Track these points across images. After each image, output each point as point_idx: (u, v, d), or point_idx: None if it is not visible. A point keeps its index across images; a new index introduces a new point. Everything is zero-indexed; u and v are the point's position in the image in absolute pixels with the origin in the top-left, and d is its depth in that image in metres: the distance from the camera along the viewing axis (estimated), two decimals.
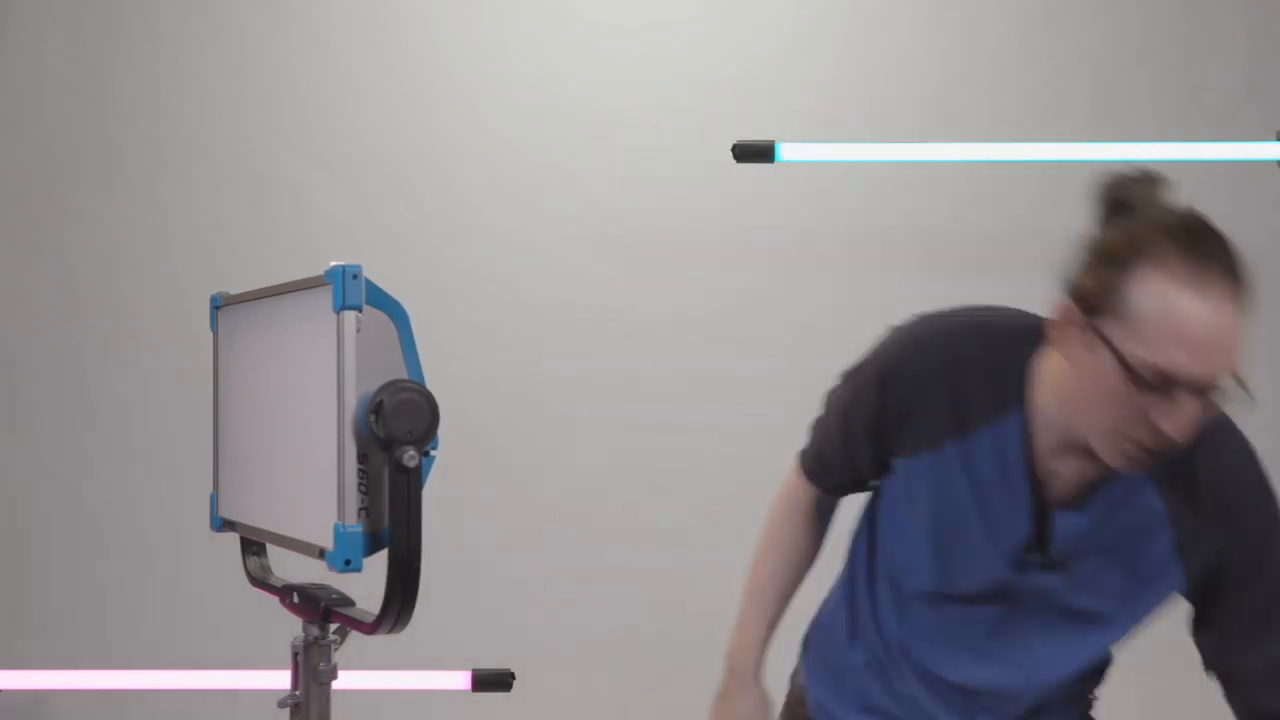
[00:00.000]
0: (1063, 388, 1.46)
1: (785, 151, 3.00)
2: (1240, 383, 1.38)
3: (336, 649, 1.74)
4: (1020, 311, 1.65)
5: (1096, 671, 1.76)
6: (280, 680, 1.80)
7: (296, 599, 1.78)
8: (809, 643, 1.92)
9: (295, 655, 1.74)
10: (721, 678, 1.90)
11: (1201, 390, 1.35)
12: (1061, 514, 1.52)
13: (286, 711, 1.75)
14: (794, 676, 1.95)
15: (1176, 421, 1.35)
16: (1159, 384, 1.34)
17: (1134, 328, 1.35)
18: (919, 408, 1.57)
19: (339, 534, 1.52)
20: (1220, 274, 1.38)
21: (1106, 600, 1.56)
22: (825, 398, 1.80)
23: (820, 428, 1.80)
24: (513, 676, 2.71)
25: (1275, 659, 1.51)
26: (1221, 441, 1.49)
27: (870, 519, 1.78)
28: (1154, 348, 1.34)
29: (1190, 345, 1.33)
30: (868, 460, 1.69)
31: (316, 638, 1.73)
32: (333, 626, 1.73)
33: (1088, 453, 1.45)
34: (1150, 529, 1.50)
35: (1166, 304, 1.34)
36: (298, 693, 1.72)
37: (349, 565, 1.52)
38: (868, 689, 1.77)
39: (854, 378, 1.71)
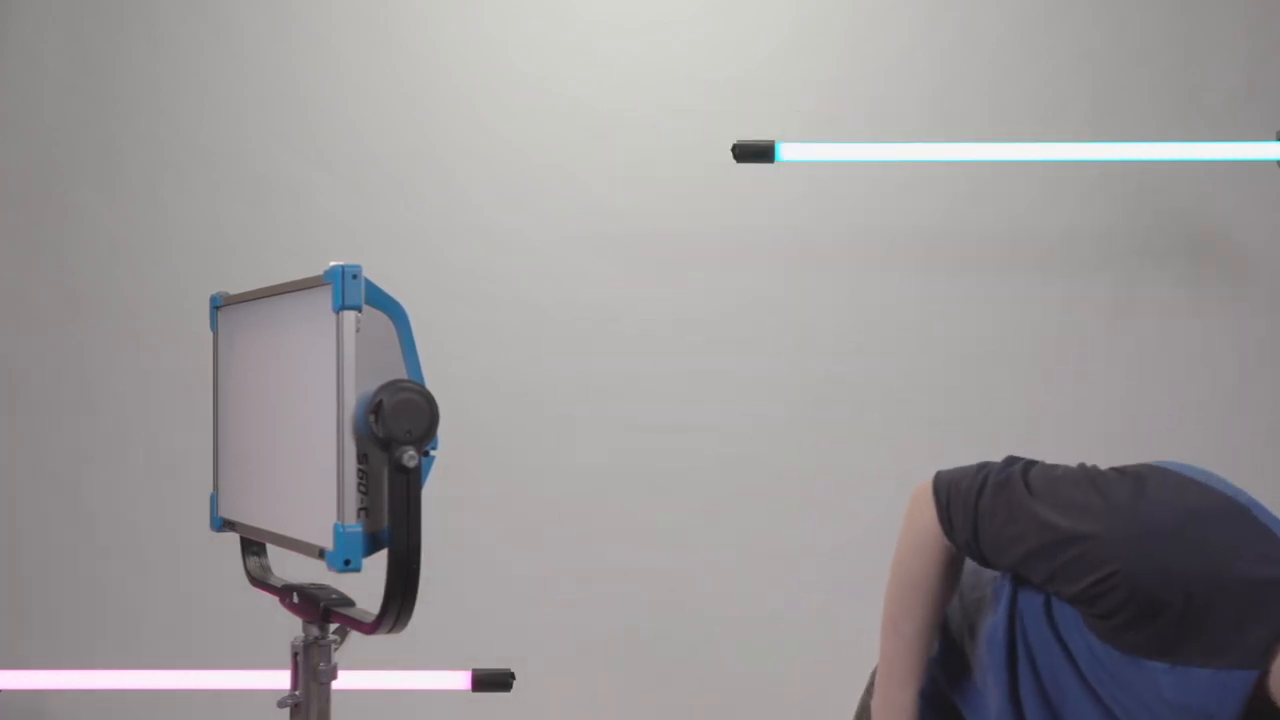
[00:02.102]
0: None
1: (785, 151, 3.00)
2: None
3: (336, 649, 1.74)
4: None
5: None
6: (280, 680, 1.81)
7: (296, 599, 1.78)
8: None
9: (295, 655, 1.74)
10: None
11: None
12: None
13: (286, 711, 1.75)
14: None
15: None
16: None
17: None
18: (1138, 620, 1.36)
19: (339, 534, 1.52)
20: None
21: None
22: (1008, 489, 1.54)
23: (986, 523, 1.54)
24: (513, 676, 2.71)
25: None
26: None
27: (1017, 609, 1.60)
28: None
29: None
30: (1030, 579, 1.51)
31: (316, 638, 1.73)
32: (332, 626, 1.73)
33: None
34: None
35: None
36: (298, 693, 1.72)
37: (348, 565, 1.52)
38: None
39: (1068, 542, 1.42)
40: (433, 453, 1.61)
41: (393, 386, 1.54)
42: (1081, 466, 1.54)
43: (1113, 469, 1.50)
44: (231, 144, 3.38)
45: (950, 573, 1.62)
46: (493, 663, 2.85)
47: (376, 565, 1.61)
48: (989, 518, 1.52)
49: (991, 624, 1.63)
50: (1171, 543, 1.35)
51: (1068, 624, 1.48)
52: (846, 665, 3.31)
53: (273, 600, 1.85)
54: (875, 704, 1.69)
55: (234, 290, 1.96)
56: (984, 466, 1.58)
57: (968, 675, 1.69)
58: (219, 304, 1.98)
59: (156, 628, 3.29)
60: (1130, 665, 1.39)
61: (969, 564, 1.69)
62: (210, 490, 1.99)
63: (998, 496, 1.52)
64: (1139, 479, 1.44)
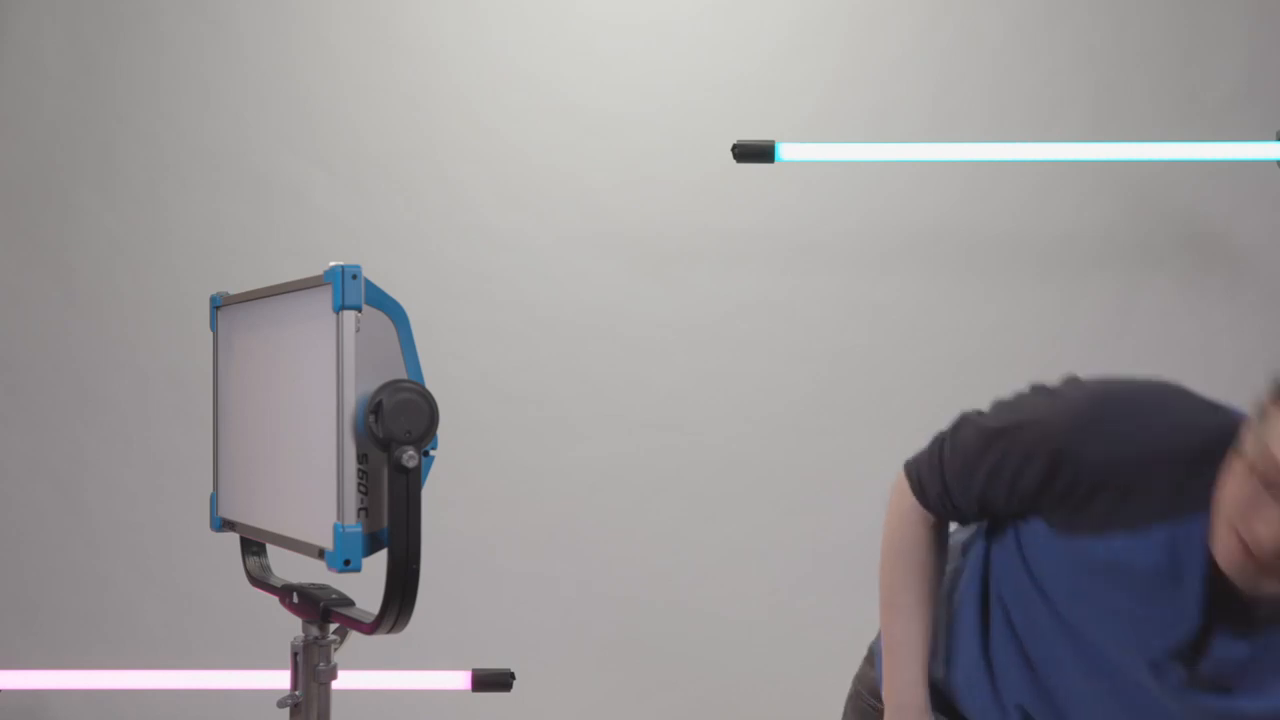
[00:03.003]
0: None
1: (785, 151, 3.00)
2: None
3: (336, 649, 1.74)
4: (1213, 406, 1.54)
5: None
6: (280, 680, 1.81)
7: (296, 599, 1.78)
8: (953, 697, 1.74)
9: (295, 655, 1.74)
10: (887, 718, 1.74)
11: None
12: (1222, 634, 1.43)
13: (286, 711, 1.75)
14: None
15: (1268, 525, 1.31)
16: (1267, 480, 1.32)
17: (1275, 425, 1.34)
18: (1091, 491, 1.46)
19: (338, 534, 1.52)
20: None
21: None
22: (961, 429, 1.65)
23: (951, 465, 1.64)
24: (513, 676, 2.71)
25: None
26: None
27: (990, 565, 1.67)
28: (1276, 444, 1.31)
29: None
30: (1008, 511, 1.59)
31: (316, 638, 1.73)
32: (332, 626, 1.73)
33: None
34: None
35: None
36: (298, 693, 1.72)
37: (348, 565, 1.52)
38: None
39: (1018, 435, 1.55)
40: (432, 453, 1.61)
41: (392, 386, 1.54)
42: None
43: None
44: (231, 144, 3.38)
45: (935, 543, 1.70)
46: (493, 663, 2.85)
47: (376, 565, 1.61)
48: (951, 462, 1.63)
49: (965, 584, 1.70)
50: (1109, 410, 1.47)
51: (1038, 553, 1.55)
52: (846, 665, 3.31)
53: (273, 600, 1.85)
54: (885, 686, 1.72)
55: (234, 290, 1.96)
56: (940, 434, 1.69)
57: (948, 649, 1.73)
58: (219, 304, 1.98)
59: (156, 628, 3.29)
60: (1100, 573, 1.46)
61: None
62: (210, 490, 1.99)
63: (953, 439, 1.65)
64: (1072, 378, 1.59)
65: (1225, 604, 1.42)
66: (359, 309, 1.54)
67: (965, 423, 1.65)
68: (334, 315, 1.53)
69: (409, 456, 1.53)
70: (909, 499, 1.69)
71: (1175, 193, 3.34)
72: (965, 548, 1.75)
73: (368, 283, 1.56)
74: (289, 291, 1.71)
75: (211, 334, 1.99)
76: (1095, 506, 1.45)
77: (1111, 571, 1.45)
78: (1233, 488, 1.35)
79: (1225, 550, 1.36)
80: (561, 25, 3.37)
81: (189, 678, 2.98)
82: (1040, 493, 1.50)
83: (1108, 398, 1.49)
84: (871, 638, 3.45)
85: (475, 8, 3.38)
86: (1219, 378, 3.33)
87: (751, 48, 3.36)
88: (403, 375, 1.63)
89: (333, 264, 1.55)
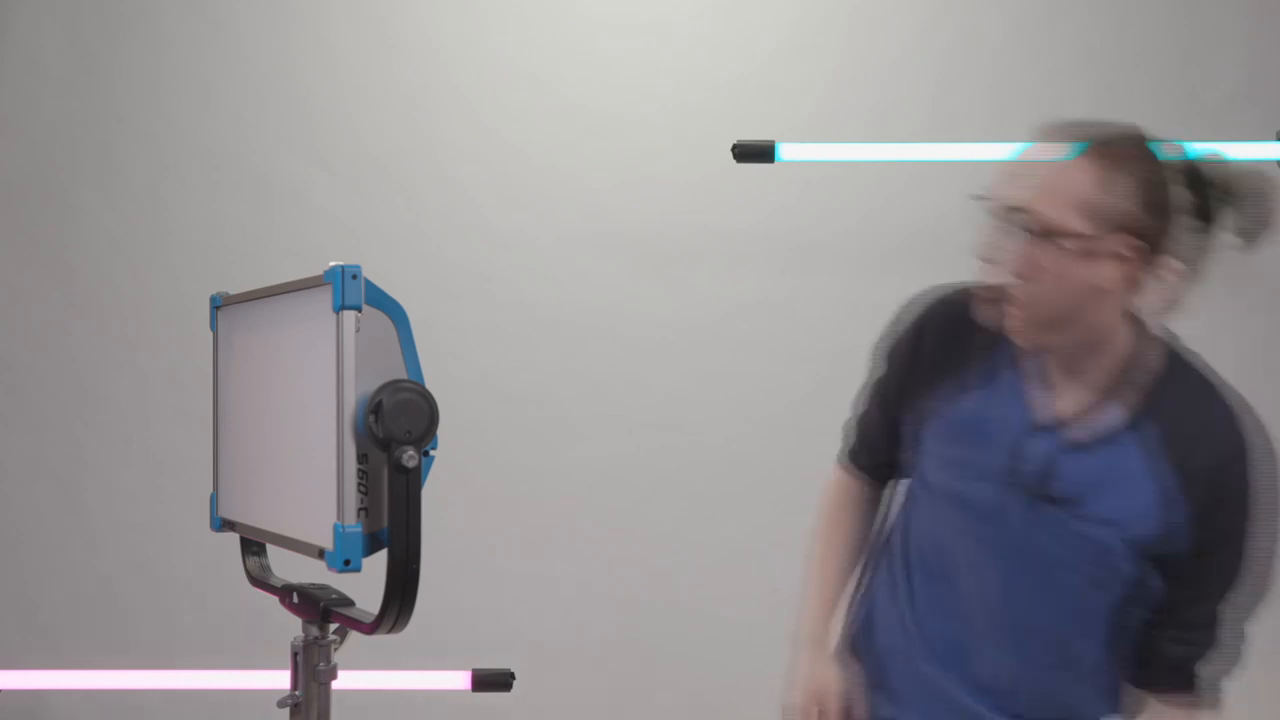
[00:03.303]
0: None
1: (785, 151, 3.00)
2: (1024, 216, 1.52)
3: (336, 649, 1.74)
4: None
5: (1095, 668, 1.69)
6: (280, 680, 1.80)
7: (296, 599, 1.77)
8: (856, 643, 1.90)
9: (295, 655, 1.74)
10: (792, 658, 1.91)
11: (1004, 211, 1.54)
12: (1063, 453, 1.59)
13: (286, 711, 1.75)
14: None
15: (983, 241, 1.57)
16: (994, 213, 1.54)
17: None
18: (946, 347, 1.71)
19: (338, 534, 1.52)
20: (1065, 137, 1.60)
21: (1100, 548, 1.58)
22: (858, 396, 1.90)
23: (857, 416, 1.91)
24: (513, 676, 2.71)
25: (1191, 617, 1.59)
26: (1225, 413, 1.62)
27: (902, 511, 1.85)
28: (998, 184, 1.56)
29: (1004, 171, 1.59)
30: (888, 420, 1.82)
31: (316, 638, 1.72)
32: (332, 626, 1.73)
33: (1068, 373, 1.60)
34: (1150, 487, 1.56)
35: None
36: (298, 693, 1.72)
37: (348, 565, 1.51)
38: (894, 672, 1.81)
39: (882, 348, 1.85)
40: (432, 453, 1.61)
41: (392, 386, 1.54)
42: None
43: None
44: (231, 144, 3.38)
45: (855, 505, 1.93)
46: (493, 663, 2.85)
47: (376, 565, 1.62)
48: (856, 404, 1.90)
49: (889, 537, 1.88)
50: (909, 303, 1.84)
51: (923, 463, 1.75)
52: None
53: (273, 600, 1.85)
54: (797, 620, 1.92)
55: (234, 290, 1.96)
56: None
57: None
58: (219, 304, 1.98)
59: (157, 628, 3.29)
60: (960, 432, 1.69)
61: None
62: (210, 490, 1.99)
63: (863, 390, 1.89)
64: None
65: (1039, 386, 1.62)
66: (359, 309, 1.54)
67: (869, 371, 1.90)
68: (334, 315, 1.53)
69: (409, 456, 1.53)
70: (836, 469, 1.96)
71: (1175, 193, 3.33)
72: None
73: (368, 283, 1.56)
74: (289, 291, 1.70)
75: (211, 334, 1.99)
76: (954, 357, 1.69)
77: (967, 425, 1.67)
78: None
79: (987, 310, 1.59)
80: (561, 25, 3.37)
81: (189, 678, 2.98)
82: (913, 368, 1.75)
83: (927, 290, 1.85)
84: None
85: (475, 8, 3.38)
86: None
87: (751, 48, 3.36)
88: (403, 375, 1.63)
89: (333, 264, 1.54)
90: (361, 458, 1.55)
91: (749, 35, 3.37)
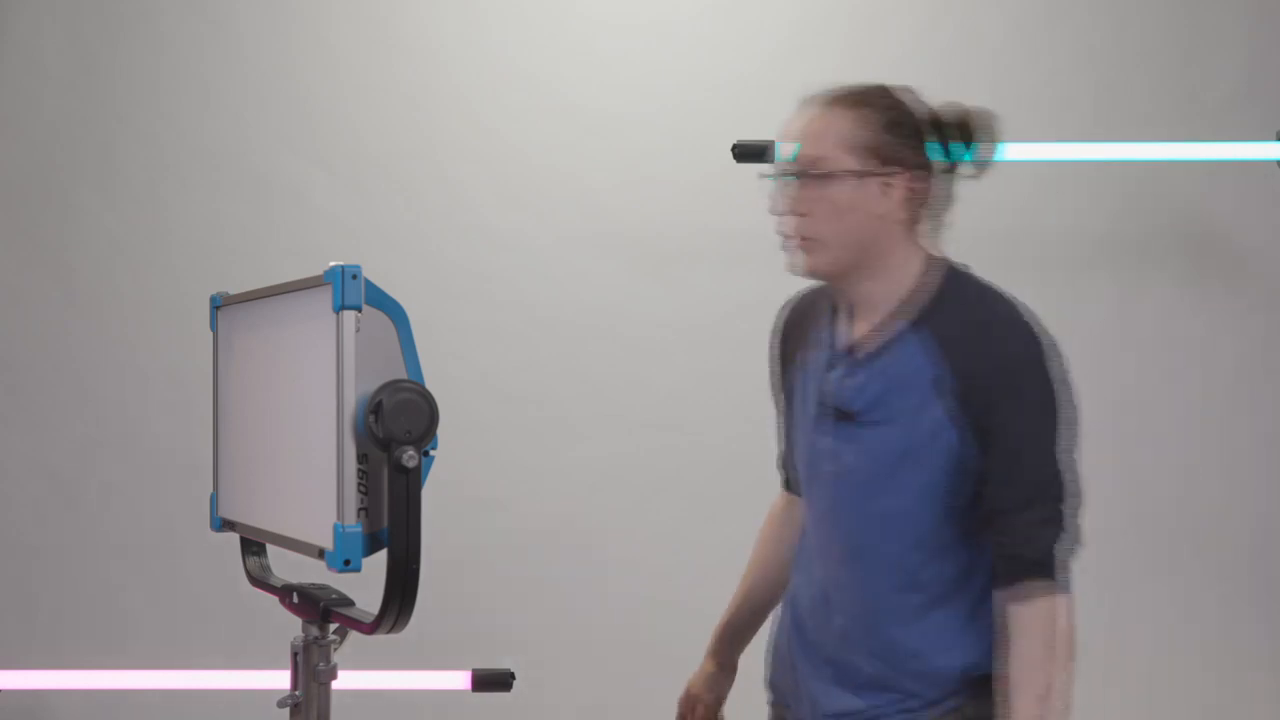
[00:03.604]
0: None
1: (785, 152, 2.99)
2: (806, 164, 1.76)
3: (336, 649, 1.74)
4: None
5: (945, 589, 1.76)
6: (280, 680, 1.81)
7: (296, 599, 1.78)
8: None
9: (295, 655, 1.74)
10: None
11: (785, 166, 1.78)
12: (850, 372, 1.77)
13: (286, 711, 1.75)
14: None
15: (774, 203, 1.79)
16: (774, 173, 1.79)
17: None
18: (792, 341, 1.92)
19: (338, 534, 1.52)
20: (819, 98, 1.85)
21: (898, 450, 1.71)
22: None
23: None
24: (513, 676, 2.71)
25: (1000, 509, 1.68)
26: (1007, 317, 1.77)
27: None
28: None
29: (782, 138, 1.81)
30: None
31: (316, 638, 1.72)
32: (332, 626, 1.73)
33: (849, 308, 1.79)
34: (937, 384, 1.70)
35: None
36: (298, 693, 1.72)
37: (348, 565, 1.52)
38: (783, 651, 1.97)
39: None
40: (432, 453, 1.61)
41: (392, 386, 1.54)
42: None
43: None
44: (231, 144, 3.38)
45: (775, 519, 2.12)
46: (493, 663, 2.85)
47: (376, 565, 1.61)
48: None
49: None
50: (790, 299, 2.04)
51: (798, 445, 1.89)
52: None
53: (273, 600, 1.85)
54: None
55: (234, 290, 1.96)
56: None
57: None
58: (219, 304, 1.98)
59: (157, 628, 3.29)
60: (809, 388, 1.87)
61: None
62: (210, 490, 1.99)
63: None
64: None
65: (844, 324, 1.80)
66: (359, 309, 1.54)
67: None
68: (334, 315, 1.53)
69: (409, 456, 1.53)
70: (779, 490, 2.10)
71: (1175, 193, 3.33)
72: None
73: (368, 283, 1.56)
74: (289, 291, 1.70)
75: (211, 334, 1.99)
76: (796, 341, 1.90)
77: (800, 389, 1.87)
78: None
79: (786, 260, 1.78)
80: (561, 25, 3.37)
81: (189, 678, 2.99)
82: (779, 372, 1.95)
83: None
84: None
85: (475, 8, 3.38)
86: (1219, 377, 3.34)
87: (751, 48, 3.36)
88: (403, 375, 1.63)
89: (333, 264, 1.54)
90: (361, 458, 1.55)
91: (749, 35, 3.37)
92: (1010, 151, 3.18)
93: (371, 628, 1.61)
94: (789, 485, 2.04)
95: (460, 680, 2.82)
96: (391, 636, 1.62)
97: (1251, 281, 3.32)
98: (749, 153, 3.00)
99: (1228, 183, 3.31)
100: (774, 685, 1.98)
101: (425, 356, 1.69)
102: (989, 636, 1.72)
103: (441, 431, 1.60)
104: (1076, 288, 3.32)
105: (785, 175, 1.77)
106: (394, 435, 1.52)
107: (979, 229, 3.37)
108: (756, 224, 3.39)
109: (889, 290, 1.75)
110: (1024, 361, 1.72)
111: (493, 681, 2.79)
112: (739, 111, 3.31)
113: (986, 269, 3.34)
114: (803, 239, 1.75)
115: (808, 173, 1.74)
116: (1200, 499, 3.32)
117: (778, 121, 3.29)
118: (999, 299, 1.80)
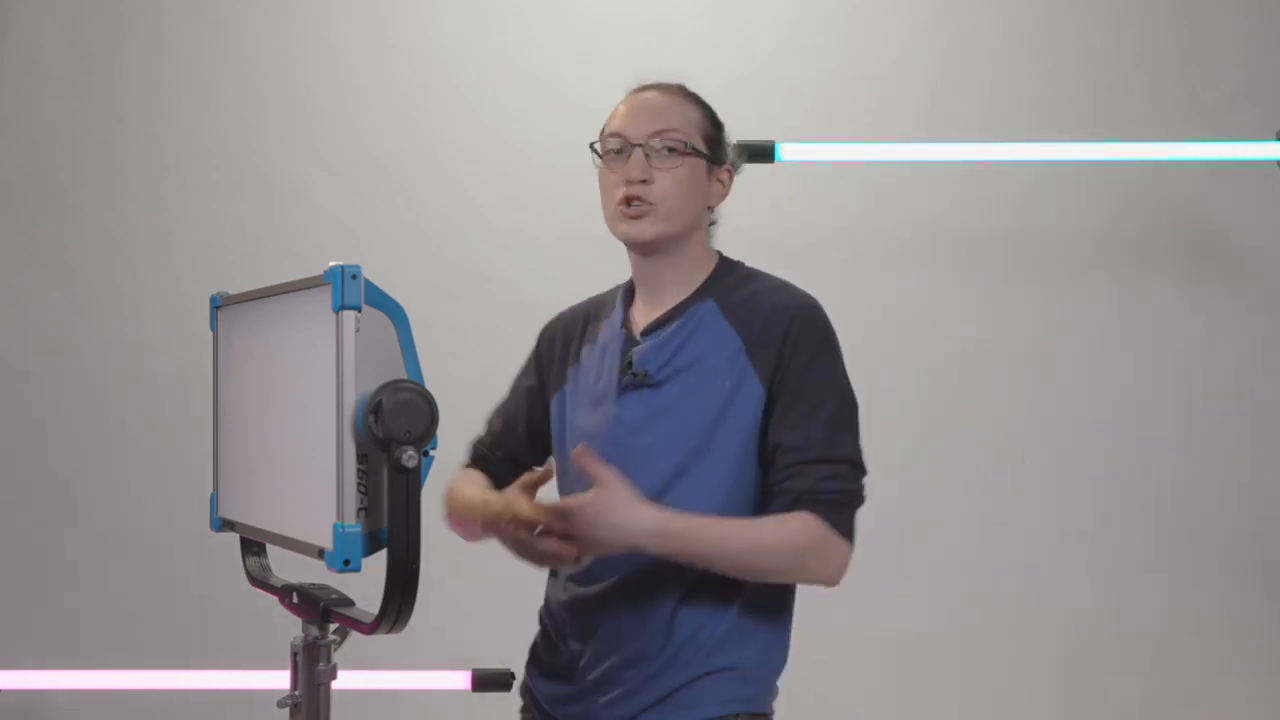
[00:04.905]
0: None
1: (785, 151, 3.00)
2: (670, 134, 1.87)
3: (336, 649, 1.74)
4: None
5: None
6: (280, 680, 1.80)
7: (296, 599, 1.77)
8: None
9: (295, 655, 1.74)
10: None
11: (633, 140, 1.87)
12: (639, 347, 1.87)
13: (286, 711, 1.75)
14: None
15: (631, 167, 1.85)
16: (614, 145, 1.89)
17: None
18: (557, 350, 2.03)
19: (338, 534, 1.52)
20: (656, 86, 1.98)
21: (691, 416, 1.80)
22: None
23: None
24: (513, 676, 2.71)
25: (789, 446, 1.77)
26: (779, 286, 1.91)
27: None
28: (607, 126, 1.94)
29: (619, 114, 1.95)
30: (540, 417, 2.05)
31: (316, 638, 1.72)
32: (332, 626, 1.73)
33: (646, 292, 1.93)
34: (724, 345, 1.82)
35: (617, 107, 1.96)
36: (297, 693, 1.72)
37: (348, 565, 1.51)
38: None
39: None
40: (432, 453, 1.61)
41: (392, 386, 1.53)
42: None
43: None
44: (231, 144, 3.38)
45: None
46: (493, 663, 2.85)
47: (376, 565, 1.61)
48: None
49: None
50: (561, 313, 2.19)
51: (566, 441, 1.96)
52: (845, 663, 3.31)
53: (273, 600, 1.85)
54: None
55: (234, 290, 1.96)
56: None
57: None
58: (219, 304, 1.98)
59: (156, 628, 3.29)
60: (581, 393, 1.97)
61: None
62: (210, 490, 1.99)
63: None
64: None
65: (636, 312, 1.94)
66: (359, 309, 1.53)
67: None
68: (334, 315, 1.53)
69: (409, 456, 1.53)
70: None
71: (1175, 193, 3.33)
72: None
73: (368, 283, 1.56)
74: (289, 291, 1.70)
75: (211, 334, 1.99)
76: (567, 350, 2.01)
77: (582, 382, 1.95)
78: (602, 187, 1.92)
79: (617, 220, 1.90)
80: (561, 25, 3.37)
81: (189, 678, 2.98)
82: (538, 372, 2.08)
83: None
84: (871, 633, 3.46)
85: (475, 8, 3.38)
86: (1219, 377, 3.34)
87: (751, 48, 3.36)
88: (403, 375, 1.63)
89: (333, 264, 1.54)
90: (361, 458, 1.55)
91: (749, 35, 3.37)
92: (1010, 151, 3.20)
93: (371, 628, 1.61)
94: (479, 461, 2.10)
95: (460, 680, 2.82)
96: (391, 636, 1.62)
97: (1251, 281, 3.32)
98: (749, 152, 3.00)
99: (1228, 183, 3.31)
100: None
101: (425, 356, 1.69)
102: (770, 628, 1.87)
103: (441, 431, 1.60)
104: (1076, 288, 3.32)
105: (649, 149, 1.86)
106: (394, 435, 1.52)
107: (979, 229, 3.39)
108: (756, 224, 3.40)
109: (688, 272, 1.91)
110: (801, 310, 1.85)
111: (493, 681, 2.79)
112: (739, 111, 3.31)
113: (986, 269, 3.35)
114: (643, 207, 1.85)
115: (675, 149, 1.86)
116: (1200, 499, 3.31)
117: (778, 121, 3.31)
118: (769, 275, 1.96)
